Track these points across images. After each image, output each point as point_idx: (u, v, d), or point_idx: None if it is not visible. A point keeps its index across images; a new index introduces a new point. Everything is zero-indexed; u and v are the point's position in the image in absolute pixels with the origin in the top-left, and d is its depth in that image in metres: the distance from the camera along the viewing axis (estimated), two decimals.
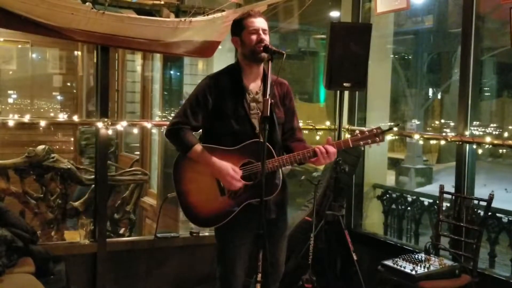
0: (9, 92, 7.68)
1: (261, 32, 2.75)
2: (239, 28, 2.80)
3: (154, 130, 6.21)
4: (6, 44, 7.42)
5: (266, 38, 2.76)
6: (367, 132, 2.78)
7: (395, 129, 4.62)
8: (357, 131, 2.83)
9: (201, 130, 2.89)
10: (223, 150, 2.75)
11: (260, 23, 2.77)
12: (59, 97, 7.88)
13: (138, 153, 7.13)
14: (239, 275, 2.85)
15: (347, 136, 4.64)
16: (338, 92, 4.22)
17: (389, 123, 5.44)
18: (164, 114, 6.58)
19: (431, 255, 3.53)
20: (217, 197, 2.76)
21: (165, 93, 6.74)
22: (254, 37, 2.74)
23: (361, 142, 2.79)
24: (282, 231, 2.95)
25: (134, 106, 7.77)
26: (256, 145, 2.72)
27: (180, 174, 2.83)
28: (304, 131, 4.65)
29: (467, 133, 3.76)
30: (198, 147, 2.75)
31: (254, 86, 2.85)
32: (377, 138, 2.78)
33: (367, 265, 3.97)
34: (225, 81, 2.81)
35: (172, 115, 3.49)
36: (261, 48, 2.73)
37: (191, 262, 4.30)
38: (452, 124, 12.12)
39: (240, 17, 2.82)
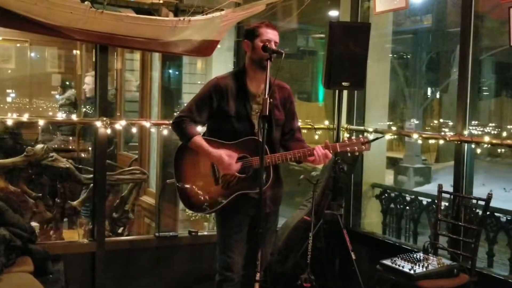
0: (8, 91, 7.67)
1: (273, 44, 2.92)
2: (253, 33, 2.97)
3: (153, 129, 6.19)
4: (5, 43, 7.42)
5: None
6: (354, 140, 2.98)
7: (396, 128, 4.62)
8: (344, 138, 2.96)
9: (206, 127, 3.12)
10: (222, 143, 2.96)
11: (274, 35, 2.96)
12: (57, 96, 7.86)
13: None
14: (236, 254, 3.02)
15: (346, 135, 4.67)
16: (337, 91, 4.21)
17: (387, 123, 5.45)
18: (163, 113, 6.55)
19: (430, 254, 3.54)
20: (212, 185, 2.97)
21: (164, 92, 6.71)
22: None
23: (348, 149, 2.98)
24: (273, 226, 3.19)
25: (134, 104, 7.74)
26: (252, 141, 2.93)
27: (180, 162, 3.06)
28: (303, 130, 4.65)
29: (465, 132, 3.76)
30: (198, 137, 2.97)
31: (257, 89, 3.02)
32: (363, 147, 2.97)
33: (366, 264, 3.97)
34: (231, 83, 3.01)
35: (173, 114, 3.58)
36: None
37: (190, 261, 4.29)
38: (450, 123, 12.15)
39: (258, 24, 3.00)
